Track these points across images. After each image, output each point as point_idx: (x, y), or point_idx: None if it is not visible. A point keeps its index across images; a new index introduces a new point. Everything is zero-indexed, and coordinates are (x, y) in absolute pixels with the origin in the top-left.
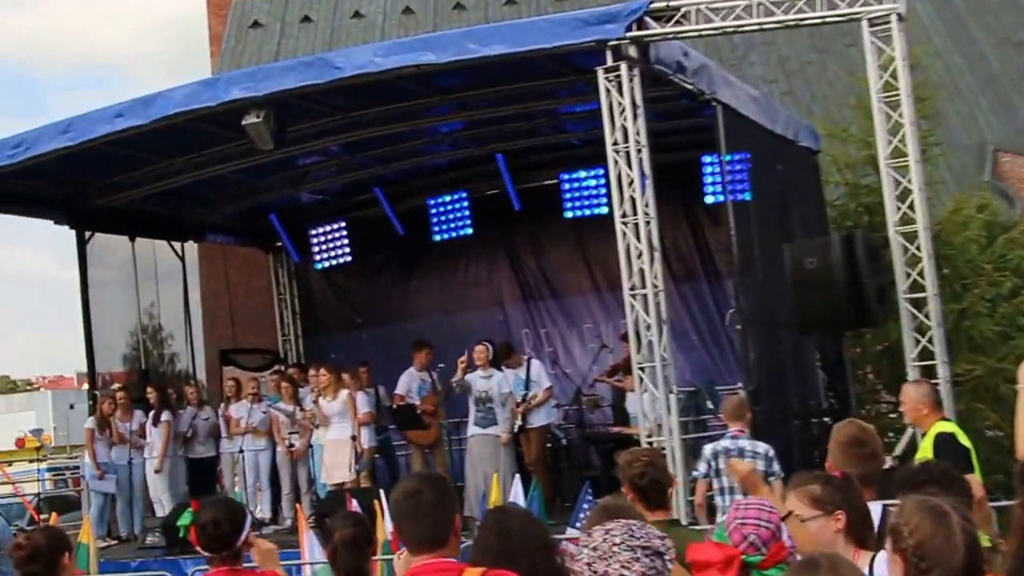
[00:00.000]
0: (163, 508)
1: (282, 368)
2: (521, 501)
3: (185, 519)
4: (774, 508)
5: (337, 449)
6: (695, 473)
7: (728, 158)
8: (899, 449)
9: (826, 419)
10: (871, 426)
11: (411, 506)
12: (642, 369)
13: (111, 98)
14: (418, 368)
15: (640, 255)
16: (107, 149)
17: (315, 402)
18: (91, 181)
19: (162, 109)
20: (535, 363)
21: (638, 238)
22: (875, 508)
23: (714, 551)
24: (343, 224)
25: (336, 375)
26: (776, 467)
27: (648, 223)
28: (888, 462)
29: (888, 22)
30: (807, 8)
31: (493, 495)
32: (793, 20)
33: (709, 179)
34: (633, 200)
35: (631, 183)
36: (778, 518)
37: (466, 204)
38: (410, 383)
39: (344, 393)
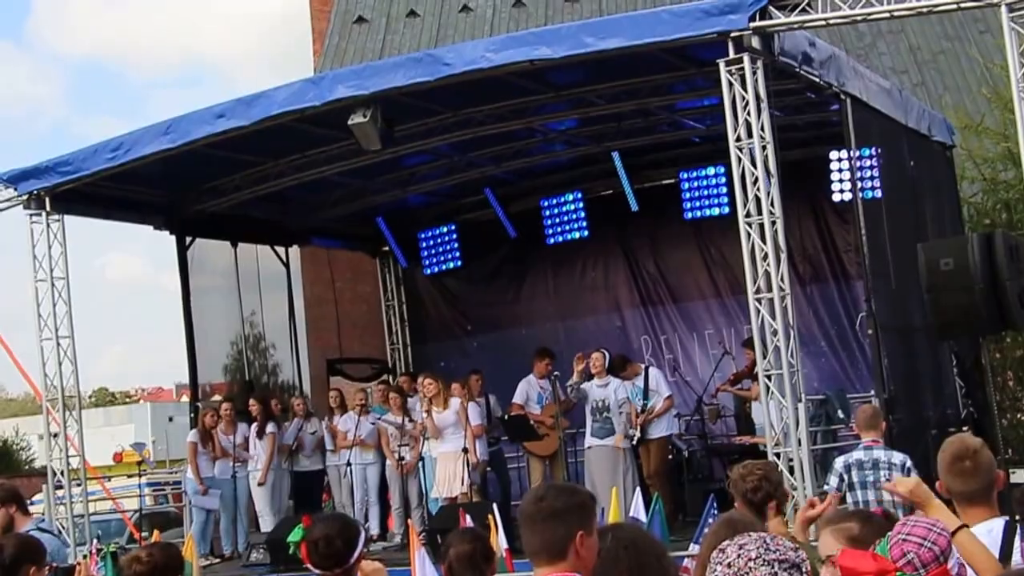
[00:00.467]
0: (268, 523)
1: (388, 378)
2: (642, 516)
3: (296, 535)
4: (945, 531)
5: (449, 462)
6: (826, 487)
7: (858, 154)
8: None
9: (964, 428)
10: (978, 440)
11: (532, 512)
12: (768, 377)
13: (212, 99)
14: (538, 376)
15: (765, 257)
16: (208, 151)
17: (426, 413)
18: (192, 185)
19: (265, 109)
20: (654, 371)
21: (763, 239)
22: (993, 525)
23: (868, 561)
24: (453, 227)
25: (445, 384)
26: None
27: (774, 223)
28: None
29: None
30: None
31: (612, 510)
32: (927, 7)
33: (837, 176)
34: (758, 199)
35: (755, 181)
36: (946, 542)
37: (581, 205)
38: (528, 391)
39: (456, 403)
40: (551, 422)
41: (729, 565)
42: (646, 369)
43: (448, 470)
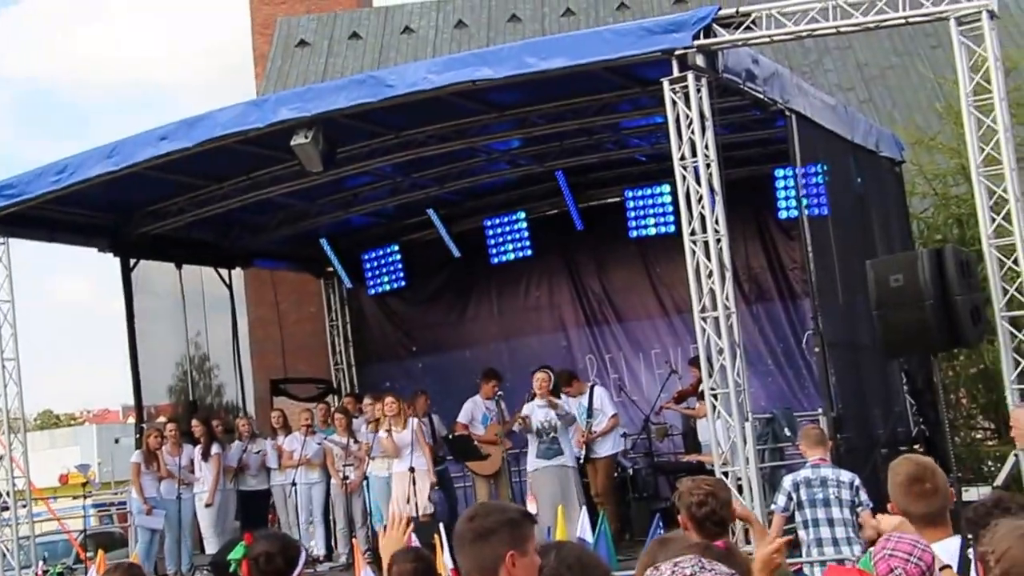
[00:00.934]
0: (213, 545)
1: (332, 399)
2: (588, 535)
3: (237, 552)
4: (928, 547)
5: (407, 481)
6: (773, 506)
7: (803, 170)
8: (1001, 478)
9: (916, 446)
10: (929, 459)
11: (462, 532)
12: (715, 395)
13: (158, 121)
14: (484, 397)
15: (711, 275)
16: (152, 174)
17: (386, 432)
18: (136, 207)
19: (208, 131)
20: (599, 390)
21: (708, 257)
22: (950, 544)
23: None
24: (397, 248)
25: (404, 404)
26: (864, 497)
27: (719, 241)
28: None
29: (979, 20)
30: (888, 8)
31: (559, 529)
32: (874, 22)
33: (783, 193)
34: (703, 217)
35: (700, 199)
36: (931, 558)
37: (525, 225)
38: (474, 411)
39: (413, 422)
40: (496, 440)
41: None
42: (591, 388)
43: (406, 489)
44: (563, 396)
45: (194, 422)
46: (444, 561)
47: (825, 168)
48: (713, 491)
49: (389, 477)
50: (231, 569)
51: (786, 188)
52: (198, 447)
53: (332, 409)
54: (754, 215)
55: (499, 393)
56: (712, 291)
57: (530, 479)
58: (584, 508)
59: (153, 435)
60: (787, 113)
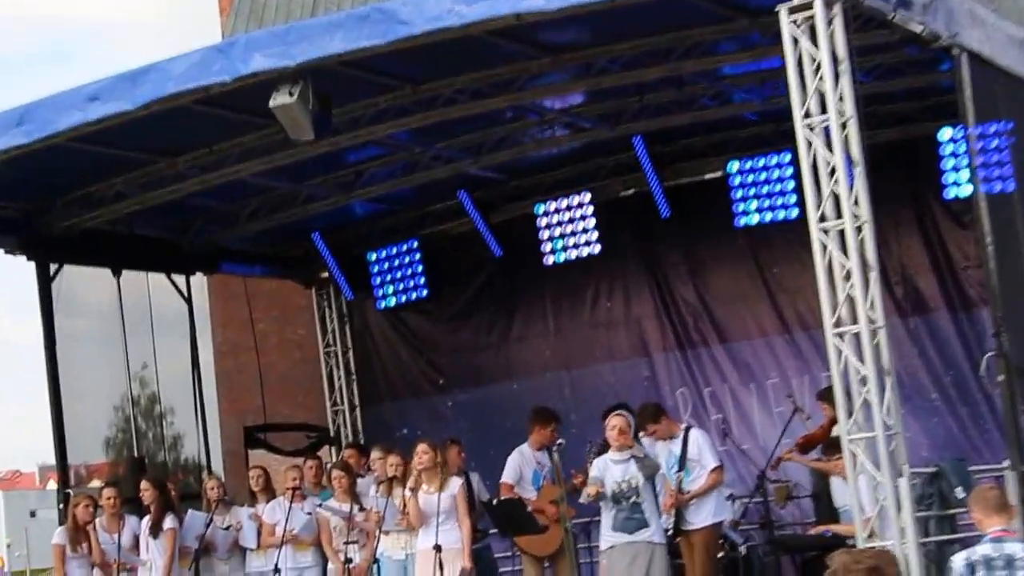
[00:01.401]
0: None
1: (331, 452)
2: None
3: None
4: None
5: (430, 564)
6: None
7: (979, 131)
8: None
9: None
10: None
11: None
12: (855, 442)
13: (86, 76)
14: (534, 447)
15: (848, 276)
16: (79, 147)
17: (410, 490)
18: (57, 193)
19: (156, 88)
20: (696, 434)
21: (845, 252)
22: None
23: None
24: (415, 244)
25: (442, 457)
26: None
27: (860, 229)
28: None
29: None
30: None
31: None
32: None
33: (950, 163)
34: (836, 197)
35: (832, 172)
36: None
37: (591, 211)
38: (522, 466)
39: (457, 484)
40: (553, 510)
41: None
42: (686, 431)
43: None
44: (644, 439)
45: (142, 485)
46: None
47: (1010, 127)
48: (878, 566)
49: (407, 559)
50: None
51: (955, 156)
52: (146, 519)
53: (329, 466)
54: (910, 194)
55: (558, 441)
56: (851, 299)
57: (603, 560)
58: None
59: (83, 505)
60: (956, 52)
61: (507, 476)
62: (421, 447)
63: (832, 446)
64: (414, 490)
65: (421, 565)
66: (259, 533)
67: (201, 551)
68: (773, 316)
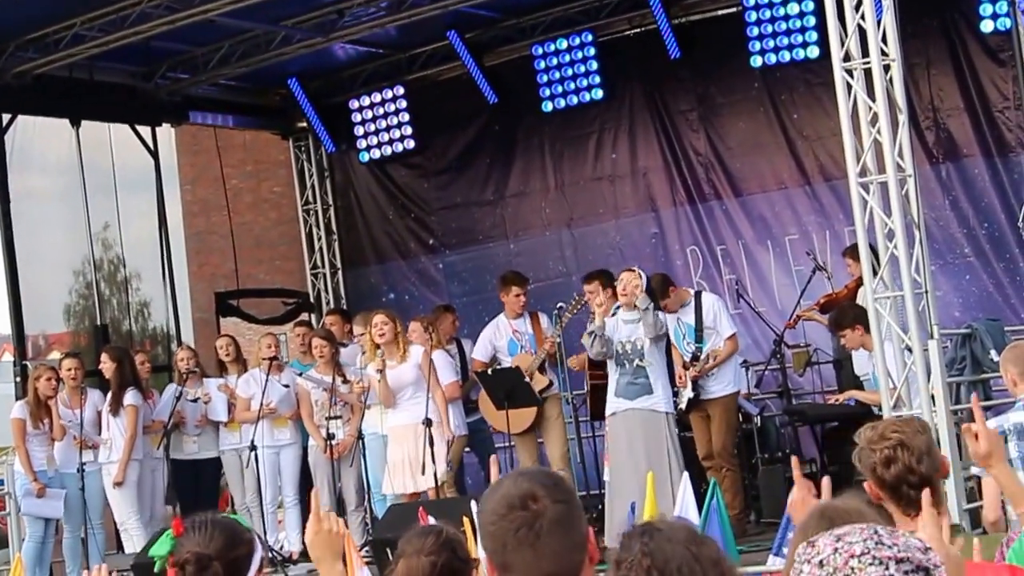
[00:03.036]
0: (136, 539)
1: (311, 319)
2: (693, 515)
3: (161, 547)
4: None
5: (408, 439)
6: (974, 469)
7: None
8: None
9: None
10: None
11: (523, 524)
12: (881, 301)
13: None
14: (511, 315)
15: (875, 121)
16: None
17: (377, 369)
18: (9, 35)
19: None
20: (710, 299)
21: (871, 93)
22: None
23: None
24: (402, 91)
25: (403, 324)
26: None
27: (887, 68)
28: None
29: None
30: None
31: (648, 505)
32: None
33: None
34: (862, 32)
35: (858, 6)
36: None
37: (593, 52)
38: (494, 339)
39: (418, 352)
40: (542, 380)
41: (821, 564)
42: (697, 295)
43: (407, 452)
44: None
45: (103, 357)
46: (479, 552)
47: None
48: (904, 440)
49: None
50: (155, 571)
51: None
52: (109, 394)
53: (309, 334)
54: (942, 27)
55: (559, 304)
56: (877, 145)
57: (607, 427)
58: (687, 475)
59: (44, 378)
60: None
61: (476, 352)
62: (379, 318)
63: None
64: (380, 368)
65: (396, 443)
66: (231, 406)
67: (171, 427)
68: (792, 166)
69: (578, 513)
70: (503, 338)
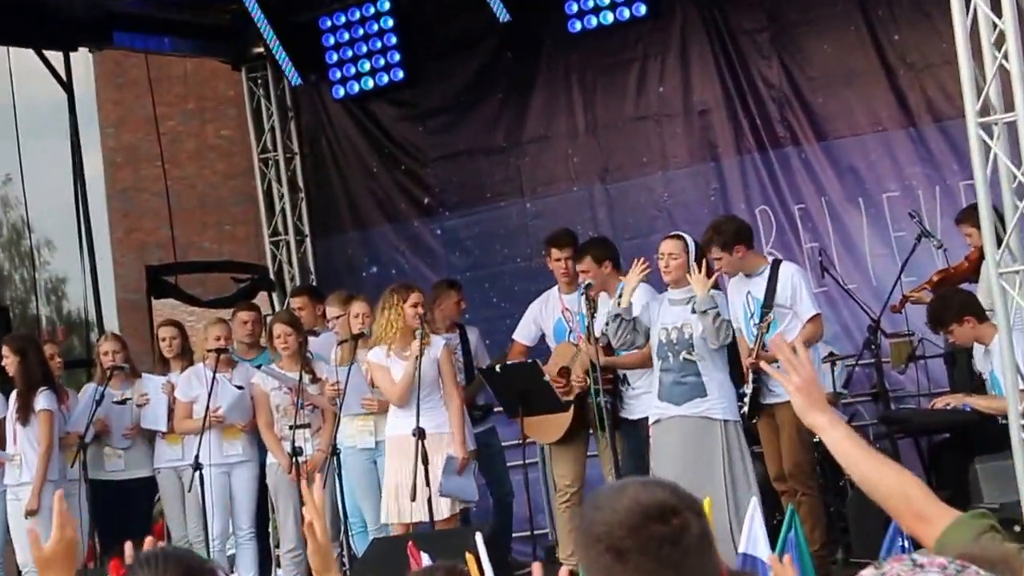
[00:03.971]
0: None
1: (272, 299)
2: (763, 550)
3: None
4: None
5: (404, 454)
6: None
7: None
8: None
9: None
10: None
11: (667, 541)
12: (1008, 277)
13: None
14: (565, 289)
15: (1001, 42)
16: None
17: (414, 356)
18: None
19: None
20: (790, 270)
21: (996, 6)
22: None
23: None
24: (387, 6)
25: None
26: None
27: None
28: None
29: None
30: None
31: None
32: None
33: None
34: None
35: None
36: None
37: None
38: (541, 316)
39: (438, 346)
40: (581, 379)
41: None
42: (775, 265)
43: (406, 469)
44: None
45: (4, 350)
46: None
47: None
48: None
49: (378, 449)
50: None
51: None
52: (12, 397)
53: (269, 320)
54: None
55: (586, 282)
56: (1004, 73)
57: (651, 436)
58: (755, 500)
59: None
60: None
61: (518, 331)
62: (357, 304)
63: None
64: (419, 358)
65: (392, 456)
66: (172, 413)
67: (89, 438)
68: (891, 101)
69: (711, 534)
70: (551, 317)
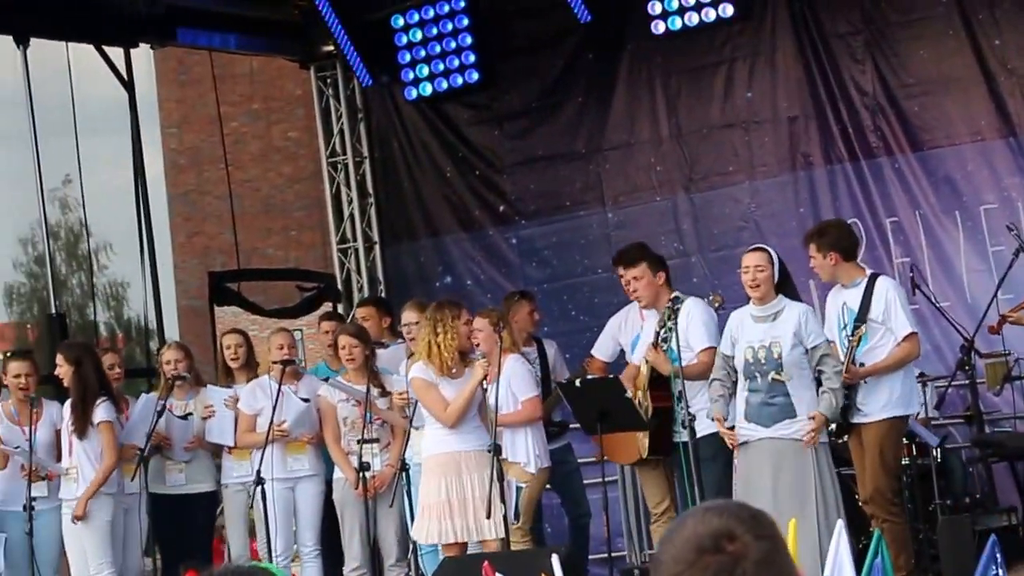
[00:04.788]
0: None
1: (338, 309)
2: (847, 573)
3: None
4: None
5: (463, 471)
6: None
7: None
8: None
9: None
10: None
11: (720, 571)
12: None
13: None
14: (644, 303)
15: None
16: None
17: (482, 375)
18: None
19: None
20: (886, 284)
21: None
22: None
23: None
24: (463, 4)
25: (504, 316)
26: None
27: None
28: None
29: None
30: None
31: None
32: None
33: None
34: None
35: None
36: None
37: None
38: (620, 330)
39: (516, 361)
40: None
41: None
42: (872, 279)
43: (464, 486)
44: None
45: (59, 358)
46: None
47: None
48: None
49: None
50: None
51: None
52: (68, 406)
53: (336, 331)
54: None
55: (673, 295)
56: None
57: (737, 459)
58: (841, 524)
59: None
60: None
61: (596, 347)
62: (480, 321)
63: None
64: (485, 379)
65: (433, 474)
66: (236, 427)
67: (150, 451)
68: (991, 110)
69: (785, 552)
70: (630, 333)
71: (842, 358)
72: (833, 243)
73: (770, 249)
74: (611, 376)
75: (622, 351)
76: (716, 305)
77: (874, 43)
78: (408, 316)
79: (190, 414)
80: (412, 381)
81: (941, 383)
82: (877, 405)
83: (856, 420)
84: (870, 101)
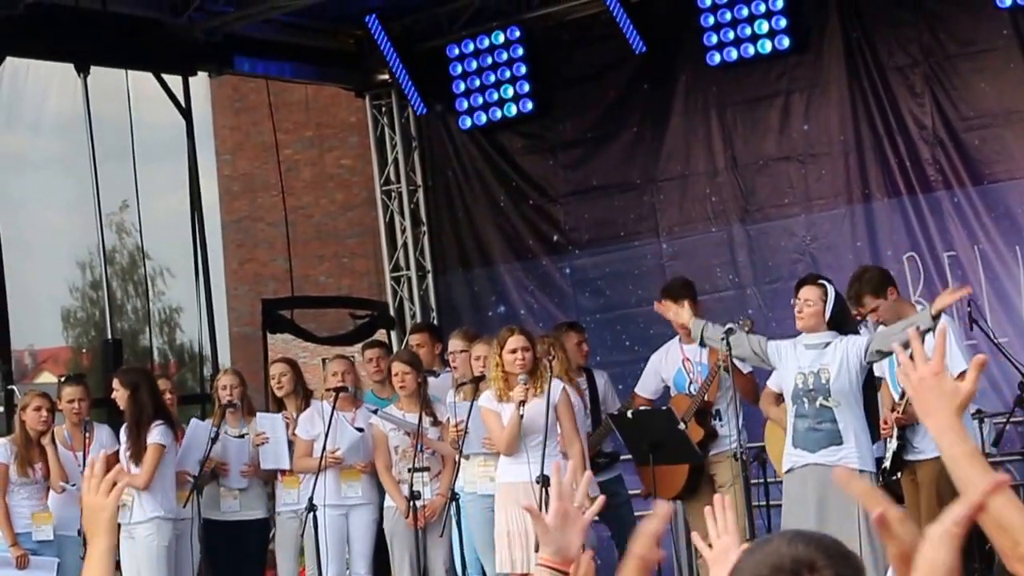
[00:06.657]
0: None
1: (390, 338)
2: None
3: None
4: None
5: (516, 502)
6: None
7: None
8: None
9: None
10: None
11: None
12: None
13: None
14: (686, 339)
15: None
16: None
17: (519, 400)
18: None
19: None
20: (941, 322)
21: None
22: None
23: None
24: (518, 35)
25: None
26: None
27: None
28: None
29: None
30: None
31: None
32: None
33: None
34: None
35: None
36: None
37: None
38: (664, 366)
39: (557, 389)
40: (698, 431)
41: None
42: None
43: (525, 517)
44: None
45: (115, 383)
46: None
47: None
48: None
49: None
50: None
51: None
52: (123, 430)
53: (388, 360)
54: None
55: (727, 326)
56: None
57: (784, 486)
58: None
59: (34, 407)
60: None
61: (640, 384)
62: (516, 341)
63: None
64: (523, 403)
65: (501, 504)
66: (290, 453)
67: (203, 478)
68: None
69: None
70: (671, 367)
71: (896, 399)
72: (882, 282)
73: (827, 283)
74: (664, 407)
75: (666, 388)
76: (747, 329)
77: (933, 76)
78: (454, 344)
79: (246, 433)
80: (481, 407)
81: (999, 420)
82: (933, 443)
83: (910, 457)
84: (928, 135)
